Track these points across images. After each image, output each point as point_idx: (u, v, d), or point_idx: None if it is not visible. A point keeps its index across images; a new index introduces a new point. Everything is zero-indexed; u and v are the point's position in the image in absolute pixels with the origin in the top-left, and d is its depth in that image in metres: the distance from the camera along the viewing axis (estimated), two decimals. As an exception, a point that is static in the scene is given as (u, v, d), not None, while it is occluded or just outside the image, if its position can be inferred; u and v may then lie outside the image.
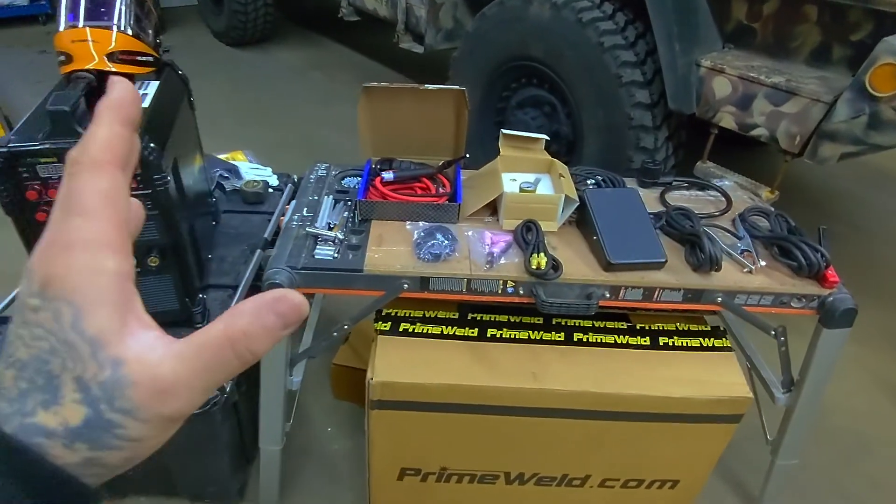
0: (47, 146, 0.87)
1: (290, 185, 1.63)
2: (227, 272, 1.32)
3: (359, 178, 1.28)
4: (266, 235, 1.41)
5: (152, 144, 0.93)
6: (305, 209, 1.19)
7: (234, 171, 1.62)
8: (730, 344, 1.16)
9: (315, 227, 1.11)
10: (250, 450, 1.38)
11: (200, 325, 1.14)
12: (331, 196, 1.23)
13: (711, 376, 1.10)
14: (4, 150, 0.86)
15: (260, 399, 1.18)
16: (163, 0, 4.79)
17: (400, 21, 2.68)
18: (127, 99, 0.26)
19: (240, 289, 1.25)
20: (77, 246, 0.23)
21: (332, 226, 1.13)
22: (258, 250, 1.36)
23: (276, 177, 1.68)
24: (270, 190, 1.63)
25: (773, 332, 1.13)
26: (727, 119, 1.67)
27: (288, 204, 1.48)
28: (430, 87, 1.17)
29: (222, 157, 1.72)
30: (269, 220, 1.49)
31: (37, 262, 0.24)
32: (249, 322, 0.25)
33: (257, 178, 1.60)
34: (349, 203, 1.21)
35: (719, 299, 1.07)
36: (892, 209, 2.79)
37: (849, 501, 1.49)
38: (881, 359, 1.88)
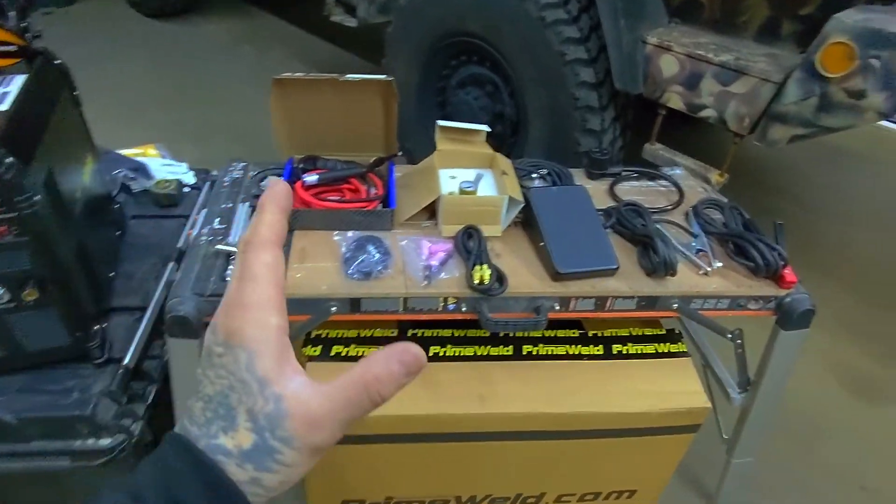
0: None
1: (209, 182, 1.46)
2: (136, 291, 1.16)
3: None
4: (180, 245, 1.25)
5: (10, 159, 0.76)
6: (217, 220, 1.04)
7: (143, 170, 1.44)
8: (686, 348, 1.10)
9: (227, 243, 0.97)
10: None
11: (99, 361, 0.99)
12: (248, 203, 1.08)
13: (667, 386, 1.03)
14: None
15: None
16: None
17: (330, -9, 2.48)
18: (283, 193, 0.34)
19: (148, 312, 1.09)
20: (251, 306, 0.30)
21: (247, 240, 0.99)
22: (170, 263, 1.20)
23: (192, 173, 1.51)
24: (187, 189, 1.46)
25: (729, 336, 1.08)
26: (675, 99, 1.60)
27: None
28: (353, 77, 1.03)
29: (129, 153, 1.52)
30: (184, 225, 1.33)
31: (221, 318, 0.31)
32: (381, 369, 0.30)
33: (170, 177, 1.43)
34: (269, 211, 1.06)
35: (675, 306, 1.00)
36: (837, 184, 2.83)
37: (805, 492, 1.48)
38: (831, 340, 1.89)
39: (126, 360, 1.00)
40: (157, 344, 1.08)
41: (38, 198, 0.83)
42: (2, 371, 0.96)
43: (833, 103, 1.31)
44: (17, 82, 0.93)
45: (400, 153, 1.13)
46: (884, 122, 3.29)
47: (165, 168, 1.49)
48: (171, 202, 1.40)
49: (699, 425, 1.04)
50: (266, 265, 0.31)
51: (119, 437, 0.96)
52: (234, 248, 0.96)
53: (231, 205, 1.08)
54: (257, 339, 0.29)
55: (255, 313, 0.30)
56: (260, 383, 0.29)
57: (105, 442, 0.96)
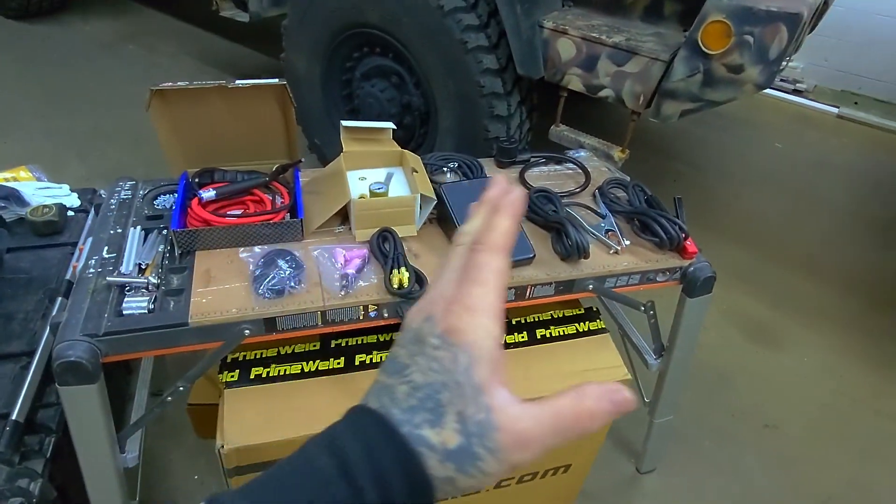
0: None
1: (95, 204, 1.34)
2: (19, 334, 1.05)
3: (175, 197, 1.05)
4: (68, 277, 1.14)
5: None
6: (106, 248, 0.95)
7: (15, 197, 1.29)
8: (604, 325, 1.14)
9: (120, 274, 0.89)
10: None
11: (-17, 420, 0.89)
12: (139, 226, 1.00)
13: (591, 364, 1.07)
14: None
15: (87, 490, 0.95)
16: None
17: (215, -15, 2.33)
18: (521, 200, 0.33)
19: (36, 356, 0.99)
20: (479, 310, 0.30)
21: (143, 267, 0.92)
22: (58, 298, 1.09)
23: (75, 195, 1.37)
24: (71, 213, 1.33)
25: (642, 308, 1.13)
26: (575, 81, 1.64)
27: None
28: (241, 83, 0.97)
29: (-4, 178, 1.37)
30: (72, 254, 1.21)
31: (440, 311, 0.31)
32: (595, 405, 0.30)
33: (49, 201, 1.29)
34: (165, 233, 0.99)
35: (591, 286, 1.03)
36: (726, 146, 3.03)
37: (717, 436, 1.60)
38: (727, 292, 2.04)
39: (14, 415, 0.90)
40: (52, 389, 0.99)
41: None
42: None
43: (716, 78, 1.39)
44: None
45: (309, 149, 1.07)
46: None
47: (42, 192, 1.35)
48: (52, 230, 1.27)
49: (623, 398, 1.08)
50: (496, 272, 0.31)
51: (16, 502, 0.87)
52: (129, 279, 0.88)
53: (121, 230, 1.00)
54: (480, 345, 0.29)
55: (481, 319, 0.30)
56: (474, 389, 0.29)
57: (-2, 509, 0.86)
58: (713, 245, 2.22)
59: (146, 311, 0.85)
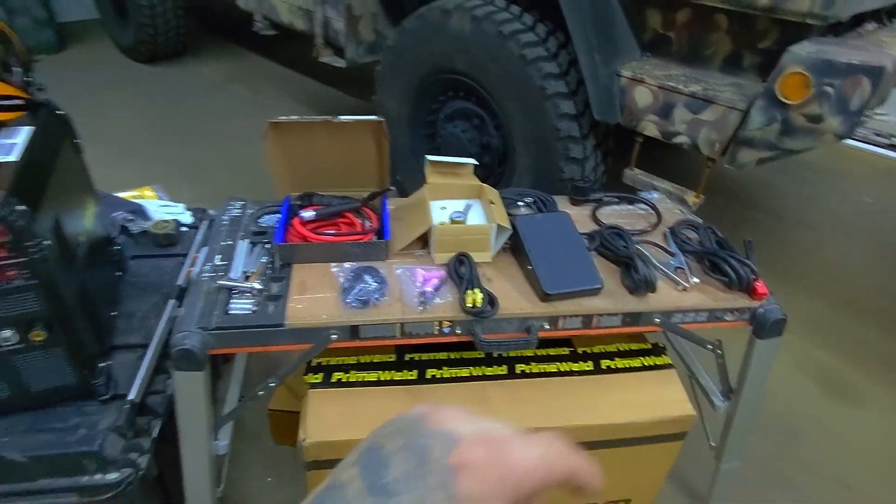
0: None
1: (205, 222, 1.51)
2: (137, 329, 1.20)
3: (278, 216, 1.19)
4: (179, 283, 1.30)
5: (21, 207, 0.81)
6: (218, 256, 1.09)
7: (140, 212, 1.49)
8: (670, 360, 1.15)
9: (229, 279, 1.02)
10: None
11: (104, 398, 1.02)
12: (247, 240, 1.13)
13: (655, 397, 1.08)
14: None
15: (182, 469, 1.07)
16: (58, 14, 4.45)
17: (318, 34, 2.57)
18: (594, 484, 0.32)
19: (151, 348, 1.13)
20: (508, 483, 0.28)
21: (248, 275, 1.04)
22: (171, 301, 1.24)
23: (189, 213, 1.56)
24: (184, 229, 1.51)
25: (709, 346, 1.13)
26: (650, 128, 1.69)
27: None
28: (345, 118, 1.10)
29: (127, 195, 1.57)
30: (184, 264, 1.37)
31: (472, 460, 0.28)
32: None
33: (167, 218, 1.47)
34: (268, 246, 1.12)
35: (657, 320, 1.05)
36: (804, 196, 2.94)
37: (788, 489, 1.53)
38: (803, 343, 1.96)
39: (131, 396, 1.03)
40: (161, 379, 1.12)
41: (46, 243, 0.87)
42: (8, 411, 0.99)
43: (794, 128, 1.40)
44: (24, 134, 0.98)
45: (390, 185, 1.18)
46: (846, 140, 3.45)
47: (163, 209, 1.54)
48: (169, 242, 1.44)
49: (686, 433, 1.08)
50: (568, 468, 0.31)
51: (126, 472, 0.99)
52: (236, 283, 1.00)
53: (231, 242, 1.13)
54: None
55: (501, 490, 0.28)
56: None
57: (112, 476, 0.98)
58: (790, 295, 2.14)
59: (249, 312, 0.96)
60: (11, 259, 0.83)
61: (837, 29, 1.55)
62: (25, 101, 1.02)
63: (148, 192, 1.63)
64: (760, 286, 1.07)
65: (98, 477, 0.98)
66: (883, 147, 3.43)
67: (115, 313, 1.21)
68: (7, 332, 0.89)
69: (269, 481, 1.51)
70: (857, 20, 1.63)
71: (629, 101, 1.70)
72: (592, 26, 1.66)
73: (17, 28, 4.10)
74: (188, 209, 1.58)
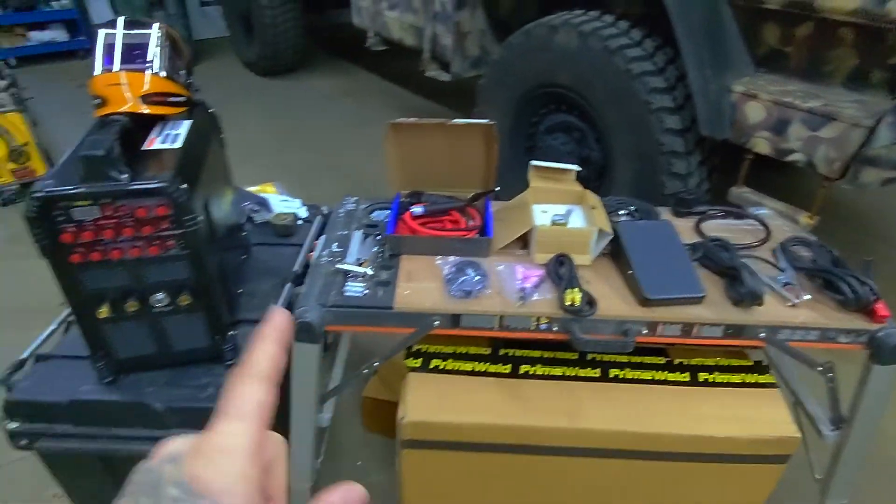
0: (82, 190, 0.89)
1: (318, 217, 1.64)
2: (258, 307, 1.33)
3: (387, 212, 1.28)
4: (296, 269, 1.42)
5: (184, 185, 0.95)
6: (335, 244, 1.19)
7: (264, 204, 1.64)
8: (774, 379, 1.11)
9: (345, 263, 1.11)
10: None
11: (231, 362, 1.14)
12: (360, 230, 1.23)
13: (755, 414, 1.05)
14: (41, 194, 0.88)
15: (290, 437, 1.17)
16: (194, 32, 4.95)
17: (426, 49, 2.71)
18: (286, 326, 0.31)
19: (270, 324, 1.25)
20: (232, 452, 0.26)
21: (361, 261, 1.13)
22: (288, 284, 1.36)
23: (305, 208, 1.69)
24: (300, 222, 1.64)
25: (819, 369, 1.08)
26: (762, 144, 1.63)
27: (317, 238, 1.50)
28: (459, 121, 1.17)
29: (252, 189, 1.74)
30: (299, 253, 1.50)
31: (190, 458, 0.26)
32: None
33: (287, 211, 1.62)
34: (378, 237, 1.20)
35: (762, 335, 1.03)
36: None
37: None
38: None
39: (254, 363, 1.15)
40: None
41: (199, 218, 1.00)
42: (151, 367, 1.13)
43: (928, 146, 1.31)
44: (185, 126, 1.13)
45: (497, 188, 1.24)
46: None
47: (283, 203, 1.69)
48: (287, 233, 1.58)
49: (789, 456, 1.04)
50: (258, 404, 0.28)
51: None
52: (351, 268, 1.10)
53: (346, 232, 1.23)
54: (231, 492, 0.25)
55: (232, 463, 0.26)
56: None
57: (234, 433, 1.09)
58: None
59: (362, 295, 1.05)
60: (171, 231, 0.97)
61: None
62: (187, 99, 1.18)
63: (270, 188, 1.79)
64: (881, 308, 1.01)
65: (221, 432, 1.09)
66: None
67: (241, 291, 1.35)
68: (160, 295, 1.03)
69: (358, 464, 1.59)
70: None
71: (740, 116, 1.66)
72: (704, 40, 1.64)
73: (162, 44, 4.62)
74: (304, 205, 1.72)
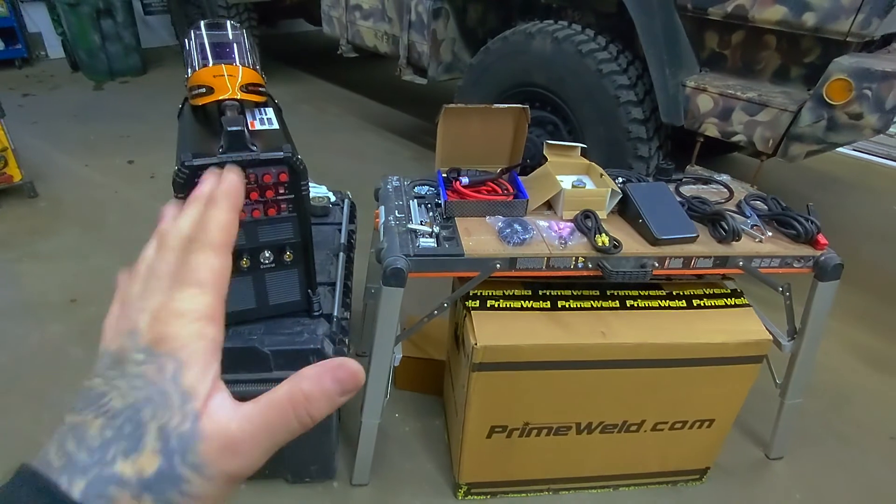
0: (225, 160, 1.07)
1: (346, 200, 1.85)
2: (321, 272, 1.52)
3: (428, 187, 1.52)
4: (342, 241, 1.62)
5: (299, 156, 1.14)
6: (396, 212, 1.41)
7: (299, 190, 1.82)
8: (748, 301, 1.45)
9: (414, 224, 1.34)
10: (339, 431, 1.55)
11: (316, 314, 1.34)
12: (414, 200, 1.46)
13: (737, 326, 1.37)
14: (190, 163, 1.05)
15: (369, 374, 1.37)
16: (143, 41, 4.91)
17: (402, 56, 2.95)
18: (238, 189, 0.31)
19: (338, 284, 1.44)
20: (189, 313, 0.27)
21: (424, 223, 1.36)
22: (341, 254, 1.56)
23: (331, 193, 1.89)
24: (330, 205, 1.84)
25: (780, 289, 1.43)
26: (711, 128, 2.01)
27: (349, 217, 1.71)
28: (498, 106, 1.43)
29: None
30: (337, 230, 1.70)
31: (148, 324, 0.27)
32: (311, 387, 0.27)
33: (320, 195, 1.81)
34: (429, 205, 1.44)
35: (741, 263, 1.35)
36: (841, 206, 3.23)
37: (842, 439, 1.79)
38: (846, 326, 2.23)
39: (335, 314, 1.34)
40: (342, 308, 1.43)
41: (309, 184, 1.20)
42: (250, 320, 1.30)
43: (838, 124, 1.71)
44: (271, 111, 1.32)
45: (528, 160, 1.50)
46: (870, 156, 3.78)
47: (314, 189, 1.87)
48: (324, 213, 1.77)
49: (764, 356, 1.37)
50: (214, 271, 0.29)
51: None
52: (420, 227, 1.32)
53: (401, 203, 1.46)
54: (190, 348, 0.27)
55: (193, 323, 0.27)
56: (182, 396, 0.26)
57: (327, 371, 1.28)
58: (842, 293, 2.41)
59: (434, 246, 1.28)
60: (286, 196, 1.16)
61: (870, 47, 1.87)
62: (265, 88, 1.36)
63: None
64: (822, 238, 1.37)
65: (316, 371, 1.28)
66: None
67: (304, 260, 1.53)
68: (267, 253, 1.21)
69: (396, 416, 1.80)
70: (886, 41, 1.95)
71: (693, 106, 2.03)
72: (662, 45, 2.00)
73: (110, 53, 4.57)
74: (330, 191, 1.91)
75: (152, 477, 0.24)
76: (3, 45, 4.65)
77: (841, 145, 1.77)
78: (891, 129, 4.00)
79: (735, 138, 1.96)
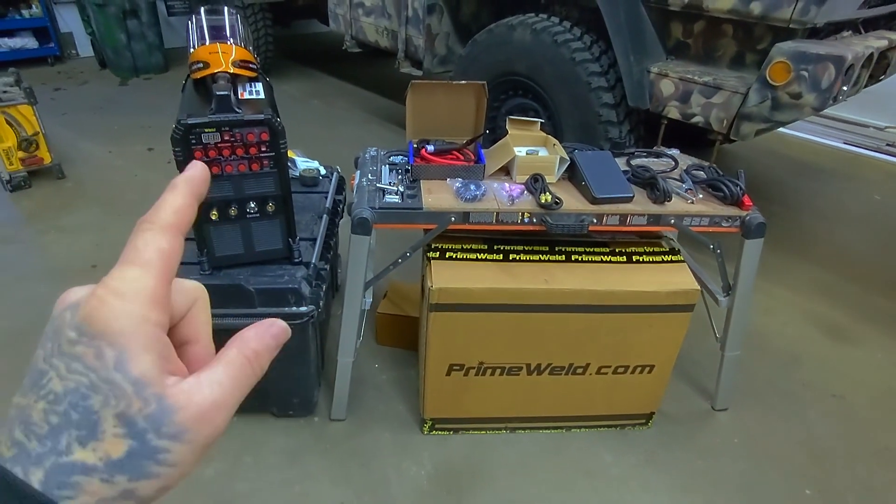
0: (213, 119, 1.28)
1: (335, 172, 2.05)
2: (304, 230, 1.72)
3: (402, 157, 1.71)
4: (327, 206, 1.82)
5: (279, 119, 1.35)
6: (369, 175, 1.61)
7: (293, 163, 2.03)
8: (682, 258, 1.61)
9: (382, 184, 1.53)
10: (320, 369, 1.75)
11: (297, 262, 1.53)
12: (385, 166, 1.65)
13: (671, 278, 1.54)
14: (185, 122, 1.26)
15: (342, 316, 1.56)
16: (166, 40, 5.21)
17: (400, 50, 3.16)
18: (200, 177, 0.31)
19: (318, 240, 1.64)
20: (129, 295, 0.26)
21: (392, 183, 1.55)
22: (325, 216, 1.76)
23: (322, 167, 2.10)
24: (320, 177, 2.04)
25: (711, 246, 1.59)
26: (673, 111, 2.17)
27: (336, 188, 1.91)
28: (459, 82, 1.62)
29: (277, 154, 2.12)
30: (324, 197, 1.90)
31: (87, 300, 0.25)
32: (257, 345, 0.30)
33: (311, 167, 2.01)
34: (399, 171, 1.63)
35: (672, 221, 1.52)
36: (821, 193, 3.35)
37: (786, 396, 1.93)
38: (809, 300, 2.36)
39: (313, 261, 1.54)
40: (321, 262, 1.63)
41: (286, 143, 1.40)
42: (237, 264, 1.51)
43: (781, 104, 1.86)
44: (260, 85, 1.52)
45: (487, 131, 1.68)
46: (845, 145, 3.90)
47: (305, 163, 2.08)
48: (314, 183, 1.98)
49: (693, 305, 1.53)
50: (160, 252, 0.27)
51: (311, 307, 1.49)
52: (387, 186, 1.52)
53: (375, 168, 1.65)
54: (129, 334, 0.25)
55: (130, 305, 0.25)
56: (136, 385, 0.25)
57: (304, 309, 1.49)
58: (800, 266, 2.56)
59: (399, 201, 1.47)
60: (267, 153, 1.36)
61: (819, 35, 2.02)
62: (256, 65, 1.57)
63: (290, 153, 2.17)
64: (747, 200, 1.52)
65: (295, 309, 1.48)
66: (894, 156, 3.82)
67: (290, 219, 1.74)
68: (252, 204, 1.41)
69: (375, 367, 1.99)
70: (837, 29, 2.09)
71: (656, 91, 2.19)
72: (628, 35, 2.17)
73: (135, 51, 4.87)
74: (321, 165, 2.12)
75: (123, 457, 0.24)
76: (37, 43, 4.98)
77: (785, 124, 1.92)
78: (882, 123, 4.10)
79: (694, 120, 2.11)
